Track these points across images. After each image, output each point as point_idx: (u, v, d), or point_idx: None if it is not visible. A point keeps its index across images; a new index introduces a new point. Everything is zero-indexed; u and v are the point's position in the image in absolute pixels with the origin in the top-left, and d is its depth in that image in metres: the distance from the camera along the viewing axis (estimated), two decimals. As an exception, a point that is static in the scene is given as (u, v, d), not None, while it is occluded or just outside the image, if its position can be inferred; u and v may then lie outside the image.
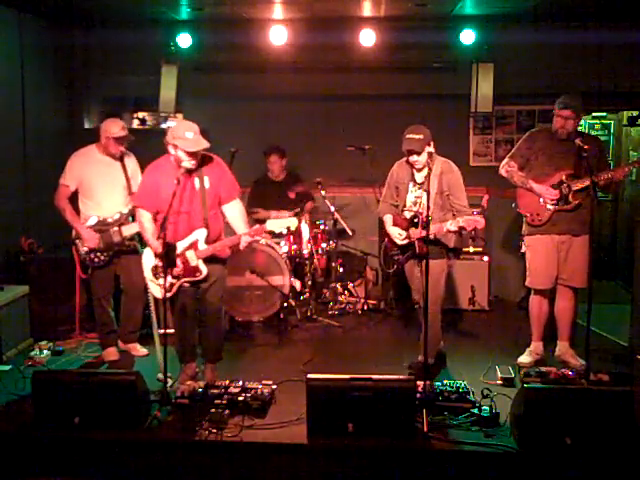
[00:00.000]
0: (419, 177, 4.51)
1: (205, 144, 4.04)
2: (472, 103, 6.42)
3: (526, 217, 4.72)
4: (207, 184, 4.17)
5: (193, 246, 4.15)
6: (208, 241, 4.16)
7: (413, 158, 4.39)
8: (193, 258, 4.14)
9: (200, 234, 4.15)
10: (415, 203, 4.51)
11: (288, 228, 5.83)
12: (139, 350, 5.09)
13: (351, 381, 3.59)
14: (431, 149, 4.37)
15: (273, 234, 4.93)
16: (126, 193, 4.90)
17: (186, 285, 4.23)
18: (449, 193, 4.39)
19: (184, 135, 4.01)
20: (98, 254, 4.80)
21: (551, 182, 4.59)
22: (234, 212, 4.27)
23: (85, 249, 4.79)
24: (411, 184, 4.54)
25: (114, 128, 4.78)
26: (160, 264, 4.18)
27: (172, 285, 4.18)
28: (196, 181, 4.15)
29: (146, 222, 4.25)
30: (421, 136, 4.31)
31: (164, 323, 4.05)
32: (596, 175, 4.35)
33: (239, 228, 4.23)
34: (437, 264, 4.32)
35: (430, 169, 4.14)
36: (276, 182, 6.47)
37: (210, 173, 4.19)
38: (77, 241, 4.82)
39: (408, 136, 4.33)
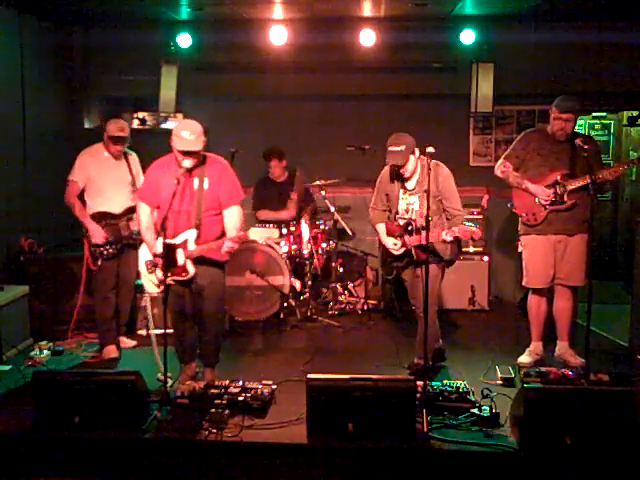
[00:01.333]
0: (410, 184, 4.47)
1: (195, 147, 4.02)
2: (472, 103, 6.42)
3: (522, 217, 4.73)
4: (206, 185, 4.16)
5: (183, 245, 4.14)
6: (198, 242, 4.13)
7: (400, 169, 4.37)
8: (181, 257, 4.14)
9: (190, 234, 4.14)
10: (407, 210, 4.48)
11: (285, 224, 5.95)
12: (126, 342, 5.26)
13: (351, 381, 3.59)
14: (431, 149, 4.33)
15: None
16: (131, 190, 5.02)
17: (172, 283, 4.22)
18: (441, 198, 4.37)
19: (180, 133, 4.02)
20: (107, 247, 4.92)
21: (546, 182, 4.60)
22: (229, 218, 4.23)
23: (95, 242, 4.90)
24: (401, 191, 4.50)
25: (112, 127, 4.94)
26: (153, 259, 4.20)
27: (161, 282, 4.17)
28: (195, 181, 4.15)
29: (142, 215, 4.28)
30: (402, 147, 4.26)
31: (164, 323, 4.04)
32: (595, 174, 4.36)
33: (229, 234, 4.20)
34: (432, 268, 4.22)
35: (430, 169, 4.09)
36: (278, 183, 6.47)
37: (211, 175, 4.18)
38: (89, 233, 4.91)
39: (390, 149, 4.30)
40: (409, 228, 4.39)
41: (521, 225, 4.77)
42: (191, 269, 4.16)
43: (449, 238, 4.16)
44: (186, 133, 4.02)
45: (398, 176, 4.46)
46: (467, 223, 4.28)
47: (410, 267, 4.56)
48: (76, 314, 5.37)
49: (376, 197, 4.66)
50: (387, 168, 4.59)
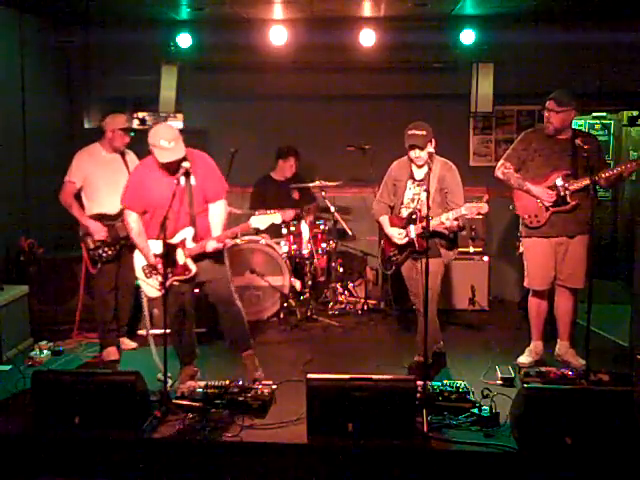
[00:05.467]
0: (418, 174, 4.51)
1: (177, 155, 3.96)
2: (472, 103, 6.43)
3: (524, 219, 4.70)
4: (193, 181, 4.14)
5: (181, 244, 4.14)
6: (196, 239, 4.14)
7: (415, 154, 4.39)
8: (181, 257, 4.14)
9: (188, 232, 4.14)
10: (413, 200, 4.51)
11: (285, 224, 5.89)
12: (127, 343, 5.22)
13: (351, 381, 3.58)
14: (431, 149, 4.37)
15: (258, 231, 4.87)
16: None
17: (176, 284, 4.22)
18: (447, 191, 4.41)
19: (159, 143, 3.93)
20: (106, 249, 4.88)
21: (548, 183, 4.57)
22: (215, 214, 4.22)
23: (96, 244, 4.86)
24: (410, 181, 4.54)
25: (119, 120, 4.94)
26: (150, 263, 4.22)
27: (162, 284, 4.17)
28: (182, 179, 4.12)
29: (132, 222, 4.24)
30: (424, 132, 4.34)
31: (164, 323, 4.04)
32: (597, 174, 4.36)
33: (214, 230, 4.20)
34: (433, 263, 4.23)
35: (430, 168, 4.12)
36: (278, 182, 6.47)
37: (197, 171, 4.14)
38: (86, 237, 4.88)
39: (411, 132, 4.35)
40: (413, 217, 4.43)
41: (522, 227, 4.75)
42: (192, 267, 4.17)
43: (454, 216, 4.17)
44: (165, 142, 3.92)
45: (408, 166, 4.50)
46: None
47: (410, 261, 4.58)
48: (78, 314, 5.38)
49: (383, 188, 4.70)
50: (398, 161, 4.64)
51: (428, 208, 3.95)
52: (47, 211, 5.93)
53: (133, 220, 4.24)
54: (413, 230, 4.41)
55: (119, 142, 4.93)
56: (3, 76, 5.70)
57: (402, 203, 4.56)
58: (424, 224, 4.19)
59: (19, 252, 5.67)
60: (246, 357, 4.39)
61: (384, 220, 4.64)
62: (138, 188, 4.18)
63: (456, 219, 4.21)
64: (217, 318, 4.42)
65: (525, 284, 4.81)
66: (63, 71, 6.69)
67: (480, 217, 4.45)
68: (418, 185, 4.51)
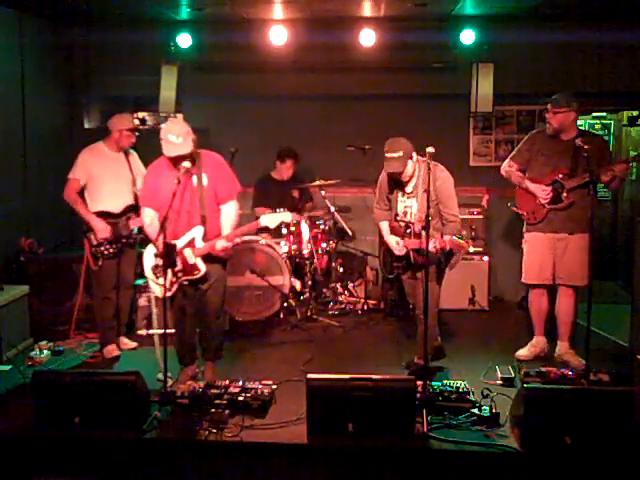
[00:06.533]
0: (408, 187, 4.46)
1: (183, 150, 3.99)
2: (472, 103, 6.42)
3: (523, 215, 4.78)
4: (205, 181, 4.17)
5: (190, 244, 4.15)
6: (206, 239, 4.16)
7: (395, 177, 4.36)
8: (191, 256, 4.15)
9: (197, 232, 4.15)
10: (405, 213, 4.47)
11: (285, 224, 5.87)
12: (127, 343, 5.23)
13: (351, 381, 3.59)
14: (431, 150, 4.29)
15: (267, 230, 4.92)
16: (132, 187, 5.03)
17: (185, 284, 4.24)
18: (438, 201, 4.33)
19: (166, 137, 4.00)
20: (107, 246, 4.91)
21: (547, 181, 4.64)
22: (226, 213, 4.26)
23: (99, 240, 4.88)
24: (400, 194, 4.50)
25: (126, 121, 5.02)
26: (161, 263, 4.20)
27: (172, 284, 4.17)
28: (194, 179, 4.16)
29: (146, 218, 4.31)
30: (400, 153, 4.21)
31: (164, 323, 4.04)
32: (596, 173, 4.38)
33: (224, 230, 4.23)
34: (431, 272, 4.18)
35: (429, 168, 4.04)
36: (279, 181, 6.48)
37: (209, 171, 4.19)
38: (90, 233, 4.90)
39: (387, 155, 4.25)
40: (407, 231, 4.39)
41: (525, 223, 4.83)
42: (202, 267, 4.18)
43: (434, 251, 4.10)
44: (172, 137, 3.97)
45: (397, 183, 4.45)
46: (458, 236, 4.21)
47: (410, 269, 4.55)
48: (76, 314, 5.38)
49: (378, 197, 4.67)
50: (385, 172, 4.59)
51: (428, 207, 3.91)
52: (47, 211, 5.94)
53: (148, 216, 4.30)
54: (408, 243, 4.35)
55: (125, 142, 5.00)
56: (3, 76, 5.70)
57: (397, 215, 4.51)
58: (418, 241, 4.20)
59: (19, 252, 5.67)
60: (211, 367, 4.46)
61: (384, 226, 4.59)
62: (152, 187, 4.25)
63: (442, 246, 4.13)
64: (200, 322, 4.43)
65: (522, 279, 4.86)
66: (63, 71, 6.68)
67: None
68: (409, 198, 4.46)
